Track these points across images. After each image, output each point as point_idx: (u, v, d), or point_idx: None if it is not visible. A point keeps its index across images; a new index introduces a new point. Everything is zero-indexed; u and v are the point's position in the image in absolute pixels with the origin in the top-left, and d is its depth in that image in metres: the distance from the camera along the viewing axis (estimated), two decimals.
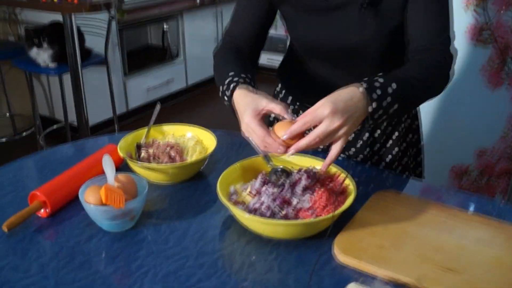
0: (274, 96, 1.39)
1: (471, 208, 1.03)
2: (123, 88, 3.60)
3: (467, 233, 0.92)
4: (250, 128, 0.92)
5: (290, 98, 1.30)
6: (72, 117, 2.93)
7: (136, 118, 3.69)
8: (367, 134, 1.23)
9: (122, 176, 0.98)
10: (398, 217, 0.97)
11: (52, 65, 2.67)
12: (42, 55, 2.62)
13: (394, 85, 0.92)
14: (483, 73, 1.98)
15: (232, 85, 1.02)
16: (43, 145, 3.06)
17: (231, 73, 1.05)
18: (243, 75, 1.04)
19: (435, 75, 1.01)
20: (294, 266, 0.85)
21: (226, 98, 1.04)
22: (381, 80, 0.93)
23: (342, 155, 1.27)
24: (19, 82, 3.29)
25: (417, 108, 1.30)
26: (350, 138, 1.24)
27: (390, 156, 1.25)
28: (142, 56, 3.95)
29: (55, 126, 3.22)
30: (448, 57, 1.02)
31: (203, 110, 4.03)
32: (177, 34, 4.07)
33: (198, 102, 4.19)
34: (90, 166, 1.08)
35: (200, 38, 4.28)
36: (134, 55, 3.79)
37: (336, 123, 0.87)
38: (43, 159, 1.26)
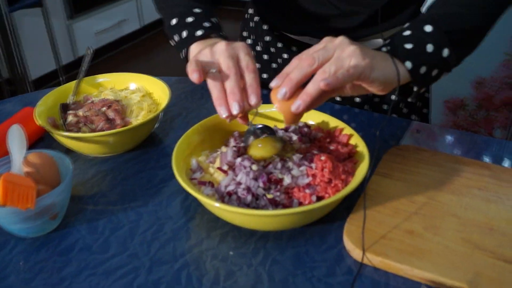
0: (244, 22, 1.08)
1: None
2: (67, 33, 3.18)
3: None
4: (235, 49, 0.63)
5: (265, 26, 1.00)
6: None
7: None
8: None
9: (34, 156, 0.68)
10: (425, 184, 0.71)
11: None
12: None
13: (429, 27, 0.64)
14: None
15: (193, 39, 0.73)
16: None
17: (189, 19, 0.75)
18: (207, 24, 0.74)
19: None
20: (291, 273, 0.59)
21: (184, 52, 0.75)
22: (408, 26, 0.66)
23: (337, 99, 0.99)
24: None
25: None
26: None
27: (394, 96, 0.98)
28: None
29: None
30: None
31: (163, 52, 3.64)
32: None
33: (156, 44, 3.79)
34: None
35: None
36: None
37: (351, 46, 0.60)
38: None
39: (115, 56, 3.46)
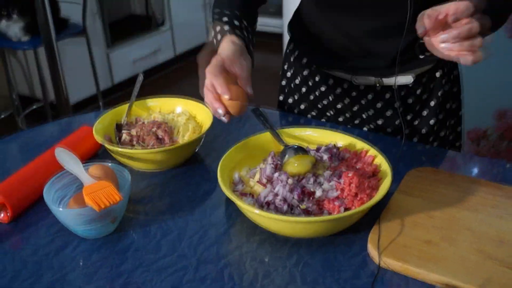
0: (285, 57, 1.16)
1: None
2: (106, 60, 3.35)
3: None
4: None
5: (304, 60, 1.09)
6: (53, 95, 2.70)
7: (122, 92, 3.46)
8: (397, 103, 1.02)
9: (97, 167, 0.78)
10: (443, 201, 0.78)
11: (24, 38, 2.42)
12: (13, 28, 2.37)
13: None
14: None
15: (220, 35, 0.86)
16: (23, 126, 2.84)
17: (224, 18, 0.89)
18: (236, 22, 0.87)
19: None
20: (321, 275, 0.67)
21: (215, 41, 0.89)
22: None
23: (367, 126, 1.07)
24: None
25: (459, 69, 1.09)
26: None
27: (425, 128, 1.06)
28: (126, 26, 3.67)
29: (34, 106, 2.98)
30: None
31: (194, 80, 3.78)
32: (161, 0, 3.80)
33: (188, 72, 3.95)
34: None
35: (186, 3, 4.00)
36: (117, 24, 3.52)
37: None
38: (16, 142, 1.06)
39: (150, 83, 3.63)
